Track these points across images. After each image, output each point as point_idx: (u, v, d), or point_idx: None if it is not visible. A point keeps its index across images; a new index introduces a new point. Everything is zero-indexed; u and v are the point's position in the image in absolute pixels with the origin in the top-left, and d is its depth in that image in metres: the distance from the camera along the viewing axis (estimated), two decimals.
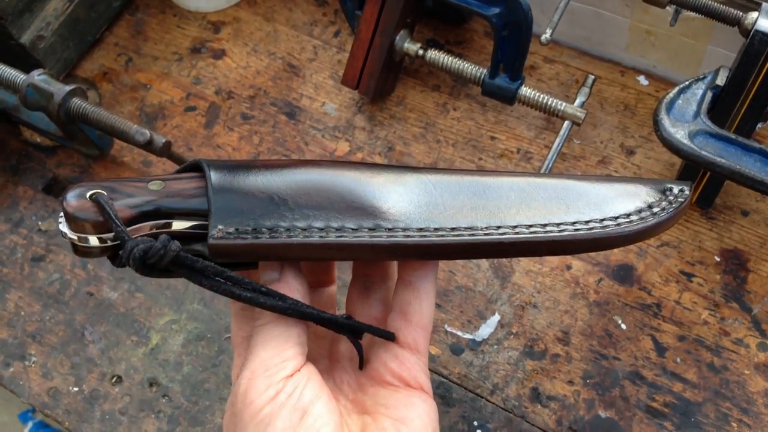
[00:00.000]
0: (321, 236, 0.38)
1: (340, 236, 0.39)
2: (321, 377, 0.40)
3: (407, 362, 0.43)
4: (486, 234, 0.39)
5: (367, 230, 0.39)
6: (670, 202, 0.39)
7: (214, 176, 0.40)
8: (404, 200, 0.40)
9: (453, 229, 0.39)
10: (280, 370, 0.38)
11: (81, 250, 0.40)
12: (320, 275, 0.49)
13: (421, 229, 0.39)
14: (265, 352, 0.39)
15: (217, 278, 0.38)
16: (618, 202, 0.39)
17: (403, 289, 0.44)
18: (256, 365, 0.38)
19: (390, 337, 0.44)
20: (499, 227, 0.39)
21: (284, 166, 0.42)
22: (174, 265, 0.37)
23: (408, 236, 0.39)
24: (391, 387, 0.43)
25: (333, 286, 0.50)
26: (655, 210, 0.39)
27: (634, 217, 0.38)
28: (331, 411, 0.39)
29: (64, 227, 0.39)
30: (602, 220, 0.38)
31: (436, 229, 0.39)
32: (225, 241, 0.38)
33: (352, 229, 0.39)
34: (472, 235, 0.39)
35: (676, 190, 0.41)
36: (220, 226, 0.38)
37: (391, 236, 0.39)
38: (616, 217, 0.38)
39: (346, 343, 0.45)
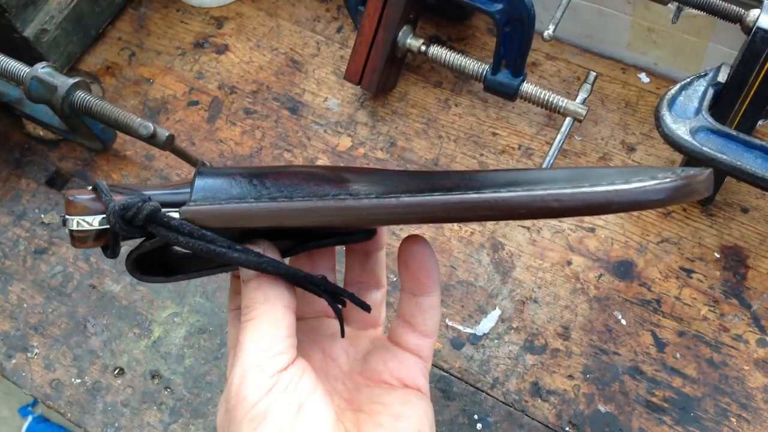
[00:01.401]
0: (286, 202, 0.38)
1: (307, 200, 0.38)
2: (314, 372, 0.40)
3: (407, 362, 0.43)
4: (460, 193, 0.35)
5: (333, 197, 0.38)
6: (678, 175, 0.33)
7: (202, 171, 0.41)
8: (384, 183, 0.40)
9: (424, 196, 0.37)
10: (272, 364, 0.38)
11: (77, 237, 0.40)
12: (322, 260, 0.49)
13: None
14: (256, 346, 0.38)
15: (192, 235, 0.38)
16: (617, 175, 0.35)
17: (407, 300, 0.44)
18: (247, 360, 0.38)
19: (366, 308, 0.44)
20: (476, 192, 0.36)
21: (271, 165, 0.43)
22: (150, 222, 0.38)
23: (376, 198, 0.37)
24: (388, 386, 0.42)
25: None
26: (660, 179, 0.33)
27: (634, 184, 0.33)
28: (327, 405, 0.39)
29: (64, 214, 0.40)
30: (592, 185, 0.33)
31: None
32: (194, 207, 0.39)
33: (320, 196, 0.38)
34: (444, 195, 0.36)
35: (688, 169, 0.35)
36: (197, 201, 0.40)
37: (358, 200, 0.37)
38: (611, 183, 0.34)
39: (342, 342, 0.45)
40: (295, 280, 0.41)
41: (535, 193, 0.34)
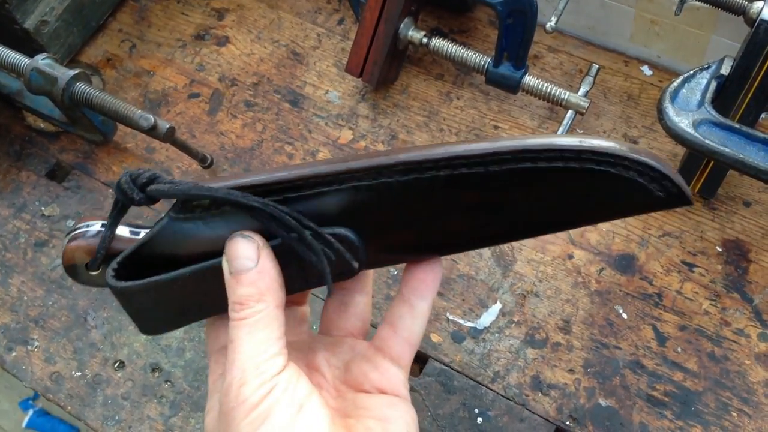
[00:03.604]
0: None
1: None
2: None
3: (388, 373, 0.43)
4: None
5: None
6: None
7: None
8: None
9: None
10: (270, 366, 0.38)
11: (73, 236, 0.42)
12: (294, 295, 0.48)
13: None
14: (252, 348, 0.38)
15: (191, 187, 0.39)
16: None
17: (400, 304, 0.44)
18: (244, 363, 0.38)
19: (362, 262, 0.42)
20: None
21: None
22: (152, 181, 0.40)
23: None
24: (371, 394, 0.43)
25: (305, 306, 0.50)
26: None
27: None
28: (323, 406, 0.39)
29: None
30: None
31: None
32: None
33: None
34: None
35: None
36: None
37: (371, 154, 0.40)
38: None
39: (323, 352, 0.45)
40: (292, 222, 0.39)
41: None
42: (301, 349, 0.46)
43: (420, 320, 0.44)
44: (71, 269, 0.42)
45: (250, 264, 0.39)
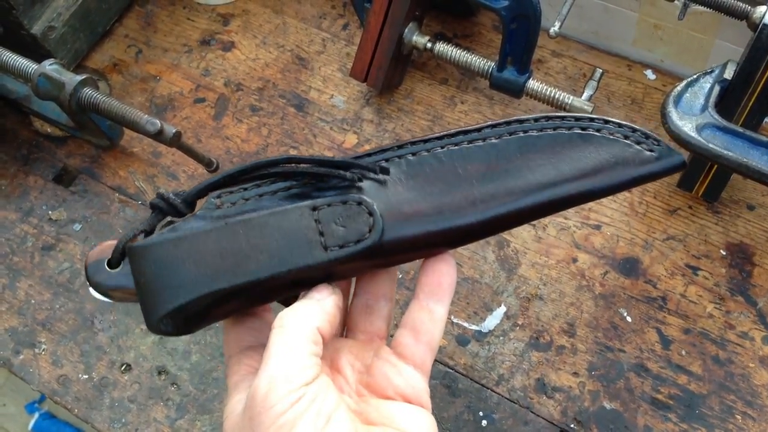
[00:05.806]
0: None
1: None
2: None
3: (412, 380, 0.43)
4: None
5: None
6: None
7: None
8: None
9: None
10: (300, 377, 0.38)
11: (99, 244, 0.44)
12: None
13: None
14: (285, 358, 0.39)
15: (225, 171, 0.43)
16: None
17: (419, 310, 0.44)
18: (275, 371, 0.38)
19: (386, 171, 0.44)
20: None
21: None
22: (198, 194, 0.43)
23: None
24: (393, 400, 0.43)
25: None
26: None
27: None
28: (349, 420, 0.40)
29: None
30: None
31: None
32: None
33: None
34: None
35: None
36: None
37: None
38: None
39: (347, 355, 0.46)
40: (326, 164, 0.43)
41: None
42: (328, 348, 0.46)
43: (440, 325, 0.44)
44: (93, 266, 0.43)
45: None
